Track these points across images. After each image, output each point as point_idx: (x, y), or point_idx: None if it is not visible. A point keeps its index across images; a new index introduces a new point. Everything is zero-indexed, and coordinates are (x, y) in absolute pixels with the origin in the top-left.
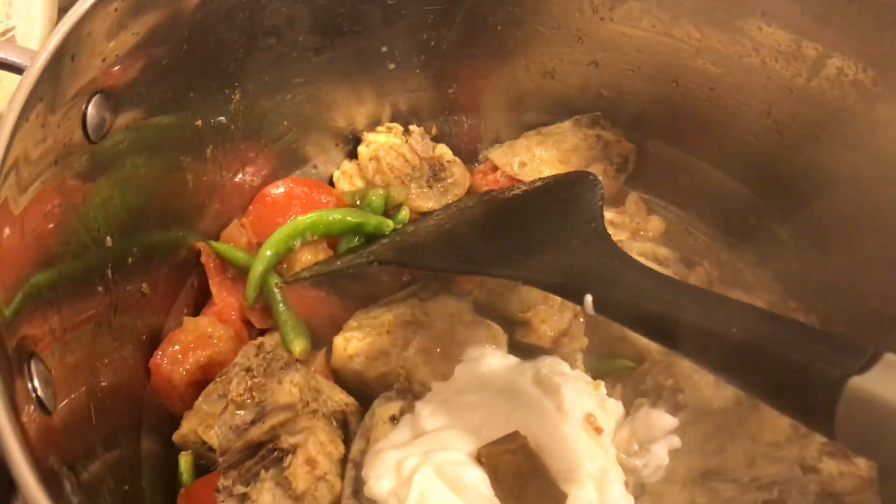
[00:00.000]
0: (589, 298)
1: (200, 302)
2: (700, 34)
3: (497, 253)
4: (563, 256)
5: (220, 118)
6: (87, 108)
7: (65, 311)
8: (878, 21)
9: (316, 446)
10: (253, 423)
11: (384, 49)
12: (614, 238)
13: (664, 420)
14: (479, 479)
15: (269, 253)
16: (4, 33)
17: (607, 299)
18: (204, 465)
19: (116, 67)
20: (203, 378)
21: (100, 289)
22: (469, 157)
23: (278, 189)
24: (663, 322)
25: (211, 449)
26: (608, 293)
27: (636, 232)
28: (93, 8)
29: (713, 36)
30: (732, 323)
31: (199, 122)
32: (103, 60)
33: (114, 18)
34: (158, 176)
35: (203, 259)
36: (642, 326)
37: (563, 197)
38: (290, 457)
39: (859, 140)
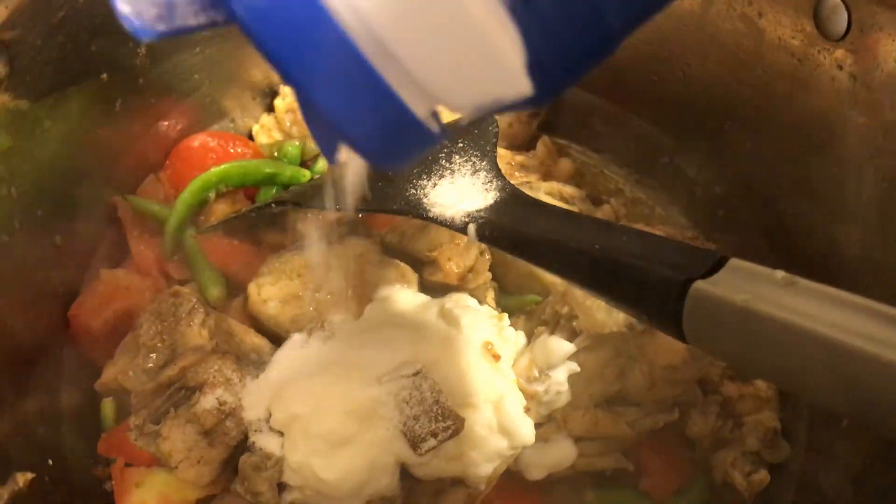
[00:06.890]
0: (472, 227)
1: (119, 255)
2: None
3: (391, 191)
4: (453, 191)
5: (126, 72)
6: None
7: None
8: None
9: (223, 384)
10: (165, 365)
11: None
12: (524, 179)
13: (561, 346)
14: (380, 405)
15: (183, 206)
16: None
17: (488, 228)
18: (128, 412)
19: (7, 19)
20: (123, 328)
21: (5, 238)
22: None
23: (194, 143)
24: (536, 244)
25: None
26: (489, 222)
27: (546, 174)
28: None
29: None
30: (595, 239)
31: (105, 76)
32: None
33: None
34: (66, 129)
35: (120, 213)
36: (519, 250)
37: (460, 137)
38: (197, 394)
39: (751, 75)
